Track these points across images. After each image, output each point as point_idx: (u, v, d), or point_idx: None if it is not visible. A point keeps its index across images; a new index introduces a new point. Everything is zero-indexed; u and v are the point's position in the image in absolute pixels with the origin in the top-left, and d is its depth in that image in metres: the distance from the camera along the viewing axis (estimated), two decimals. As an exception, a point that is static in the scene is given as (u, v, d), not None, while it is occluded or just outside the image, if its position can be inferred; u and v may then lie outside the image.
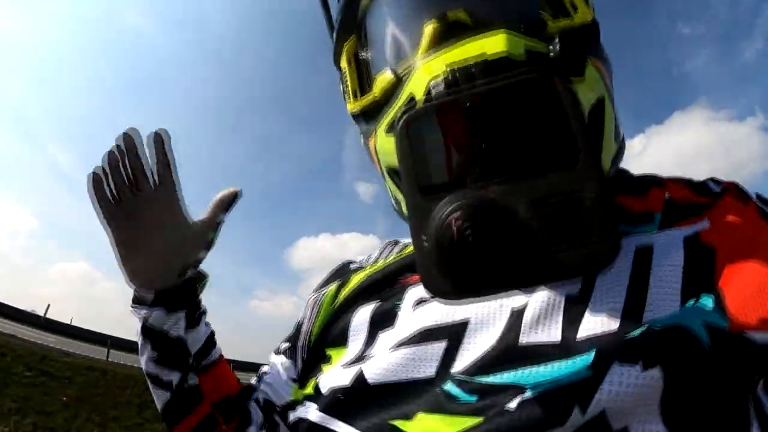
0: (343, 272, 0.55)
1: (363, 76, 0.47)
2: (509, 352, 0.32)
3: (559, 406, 0.28)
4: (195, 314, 0.54)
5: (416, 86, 0.36)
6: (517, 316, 0.33)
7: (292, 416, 0.45)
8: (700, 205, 0.39)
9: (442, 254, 0.26)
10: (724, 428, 0.27)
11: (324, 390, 0.40)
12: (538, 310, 0.33)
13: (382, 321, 0.42)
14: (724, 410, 0.28)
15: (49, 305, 13.80)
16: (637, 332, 0.29)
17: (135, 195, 0.49)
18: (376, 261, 0.53)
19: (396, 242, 0.55)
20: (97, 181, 0.48)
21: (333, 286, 0.52)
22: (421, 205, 0.27)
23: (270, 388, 0.53)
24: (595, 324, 0.31)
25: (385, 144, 0.41)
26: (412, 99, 0.36)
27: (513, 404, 0.29)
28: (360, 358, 0.40)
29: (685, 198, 0.40)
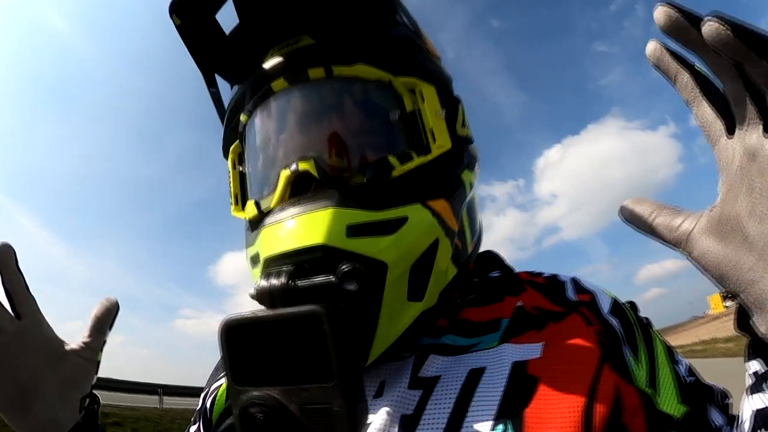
0: (220, 370, 0.58)
1: (242, 186, 0.54)
2: None
3: None
4: None
5: (261, 251, 0.43)
6: None
7: None
8: (549, 314, 0.45)
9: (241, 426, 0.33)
10: None
11: None
12: (380, 427, 0.39)
13: None
14: None
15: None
16: None
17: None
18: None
19: None
20: None
21: (223, 384, 0.54)
22: (234, 390, 0.33)
23: None
24: None
25: (252, 275, 0.46)
26: (262, 274, 0.39)
27: None
28: None
29: (538, 306, 0.46)
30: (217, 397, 0.53)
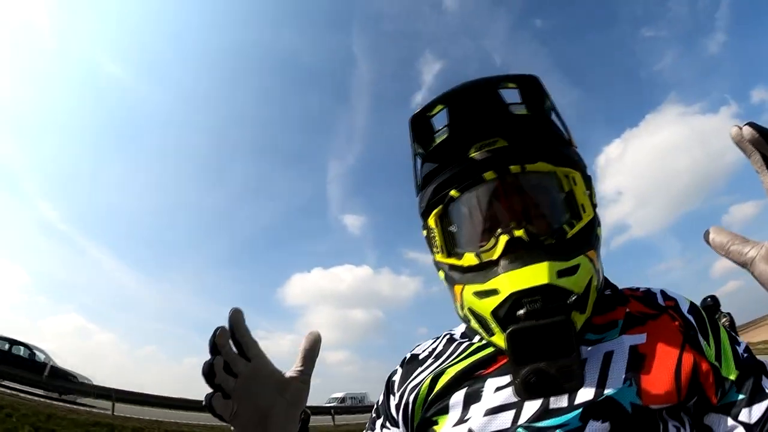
0: (414, 362, 0.82)
1: (447, 239, 0.75)
2: (546, 411, 0.60)
3: None
4: None
5: (501, 288, 0.63)
6: None
7: None
8: (648, 315, 0.68)
9: (523, 378, 0.57)
10: None
11: None
12: None
13: (472, 399, 0.67)
14: None
15: (49, 366, 13.46)
16: (599, 401, 0.59)
17: (237, 382, 0.55)
18: (447, 357, 0.77)
19: (452, 336, 0.82)
20: (209, 397, 0.54)
21: (427, 379, 0.74)
22: (515, 368, 0.58)
23: None
24: (582, 396, 0.60)
25: (475, 302, 0.66)
26: (504, 303, 0.62)
27: None
28: (462, 421, 0.65)
29: (639, 311, 0.69)
30: (420, 392, 0.73)
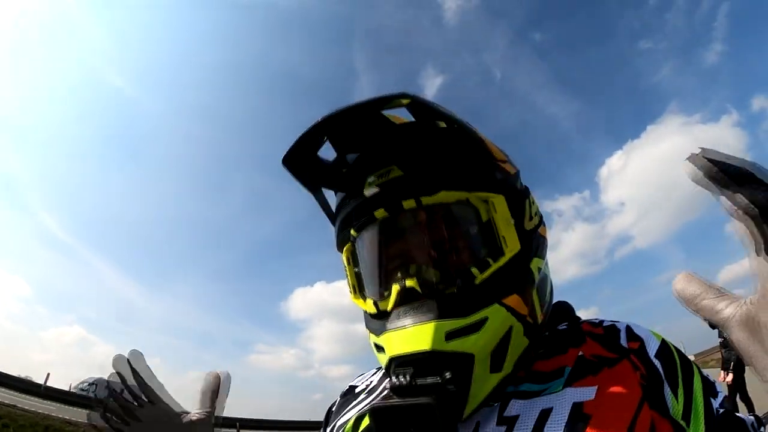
0: (350, 395, 0.75)
1: (357, 279, 0.68)
2: None
3: None
4: None
5: (386, 347, 0.56)
6: None
7: None
8: (604, 361, 0.56)
9: None
10: None
11: None
12: None
13: None
14: None
15: (48, 374, 13.46)
16: None
17: (136, 428, 0.57)
18: (377, 395, 0.70)
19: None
20: None
21: (352, 419, 0.68)
22: None
23: None
24: None
25: (376, 353, 0.61)
26: (389, 364, 0.55)
27: None
28: None
29: (595, 354, 0.57)
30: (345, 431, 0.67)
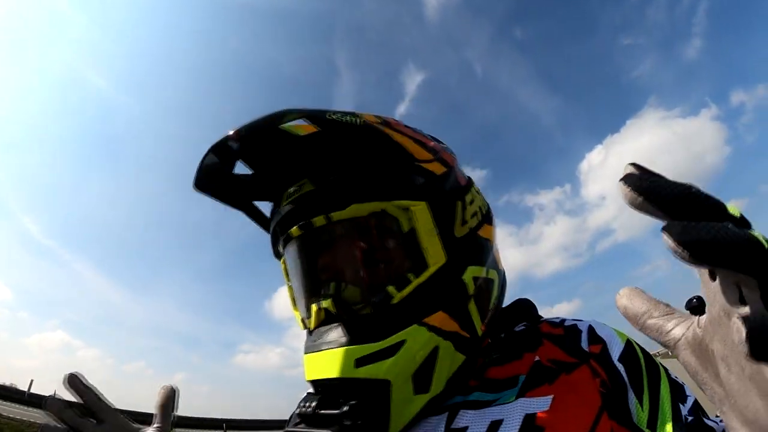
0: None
1: (291, 292, 0.65)
2: None
3: None
4: None
5: (306, 368, 0.55)
6: None
7: None
8: (562, 366, 0.53)
9: None
10: None
11: None
12: None
13: None
14: None
15: (32, 381, 13.18)
16: None
17: None
18: None
19: None
20: None
21: None
22: None
23: None
24: None
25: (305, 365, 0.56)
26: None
27: None
28: None
29: (553, 359, 0.54)
30: None
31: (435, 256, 0.54)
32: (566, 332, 0.57)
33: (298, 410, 0.52)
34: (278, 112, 0.52)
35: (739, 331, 0.26)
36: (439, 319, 0.53)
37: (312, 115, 0.53)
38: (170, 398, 0.62)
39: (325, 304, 0.54)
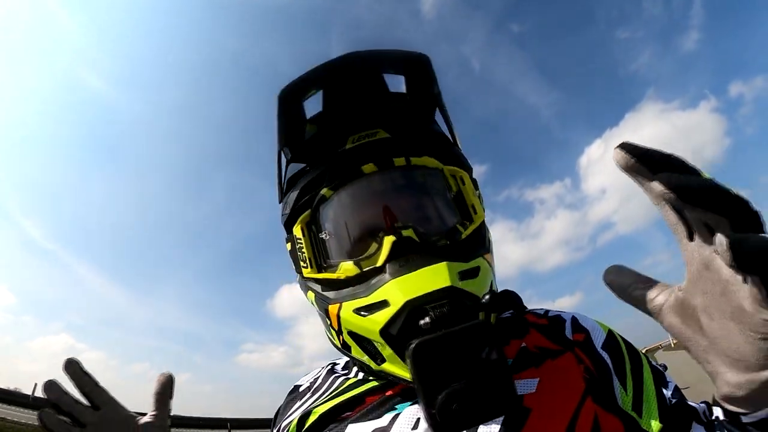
0: (295, 394, 0.71)
1: (317, 250, 0.63)
2: None
3: None
4: None
5: (393, 298, 0.51)
6: None
7: None
8: (548, 352, 0.56)
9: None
10: None
11: None
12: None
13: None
14: None
15: (36, 384, 13.21)
16: None
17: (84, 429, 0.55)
18: (322, 393, 0.65)
19: (333, 366, 0.71)
20: None
21: (296, 419, 0.62)
22: (430, 399, 0.41)
23: None
24: None
25: (357, 322, 0.53)
26: (398, 315, 0.49)
27: None
28: None
29: (538, 345, 0.57)
30: (290, 431, 0.62)
31: (479, 211, 0.64)
32: (551, 322, 0.62)
33: (423, 322, 0.48)
34: (385, 55, 0.63)
35: (721, 244, 0.30)
36: (489, 257, 0.61)
37: (427, 67, 0.64)
38: (167, 386, 0.62)
39: (407, 233, 0.55)
